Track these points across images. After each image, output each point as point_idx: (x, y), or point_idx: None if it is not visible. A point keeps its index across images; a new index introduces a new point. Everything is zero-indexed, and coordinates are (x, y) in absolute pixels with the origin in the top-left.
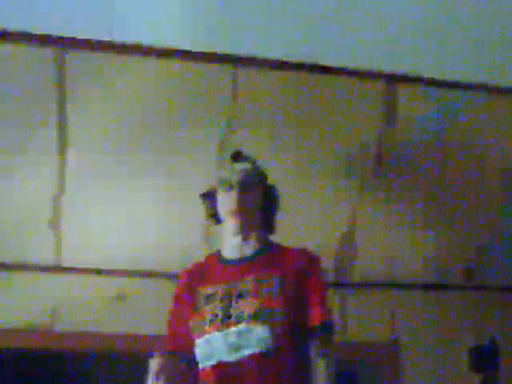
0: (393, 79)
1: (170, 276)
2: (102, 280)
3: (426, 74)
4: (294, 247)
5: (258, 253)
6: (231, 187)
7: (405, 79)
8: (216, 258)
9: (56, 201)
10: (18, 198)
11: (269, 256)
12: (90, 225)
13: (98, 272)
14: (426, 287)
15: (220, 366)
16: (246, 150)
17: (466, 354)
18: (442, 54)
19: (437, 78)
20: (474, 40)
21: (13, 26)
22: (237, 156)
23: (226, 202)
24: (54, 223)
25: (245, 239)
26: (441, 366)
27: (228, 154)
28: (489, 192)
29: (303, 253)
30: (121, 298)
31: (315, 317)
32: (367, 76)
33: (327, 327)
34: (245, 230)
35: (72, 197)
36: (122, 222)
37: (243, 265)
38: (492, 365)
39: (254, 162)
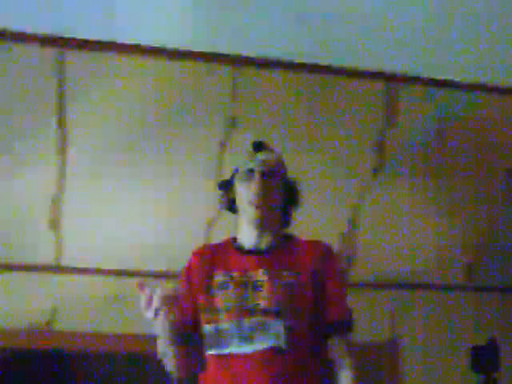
0: (393, 79)
1: (171, 276)
2: (102, 280)
3: (426, 74)
4: (311, 240)
5: (275, 246)
6: (252, 177)
7: (405, 79)
8: (232, 244)
9: (56, 201)
10: (18, 198)
11: (286, 250)
12: (90, 225)
13: (98, 272)
14: (426, 287)
15: (229, 357)
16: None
17: (466, 353)
18: (441, 53)
19: (437, 78)
20: (474, 40)
21: (13, 26)
22: (259, 145)
23: (247, 193)
24: (54, 223)
25: (263, 231)
26: (441, 366)
27: (244, 146)
28: (489, 192)
29: (320, 246)
30: (120, 297)
31: (334, 314)
32: (367, 76)
33: (347, 324)
34: (264, 222)
35: (72, 197)
36: (121, 222)
37: (260, 257)
38: (492, 365)
39: (275, 152)
